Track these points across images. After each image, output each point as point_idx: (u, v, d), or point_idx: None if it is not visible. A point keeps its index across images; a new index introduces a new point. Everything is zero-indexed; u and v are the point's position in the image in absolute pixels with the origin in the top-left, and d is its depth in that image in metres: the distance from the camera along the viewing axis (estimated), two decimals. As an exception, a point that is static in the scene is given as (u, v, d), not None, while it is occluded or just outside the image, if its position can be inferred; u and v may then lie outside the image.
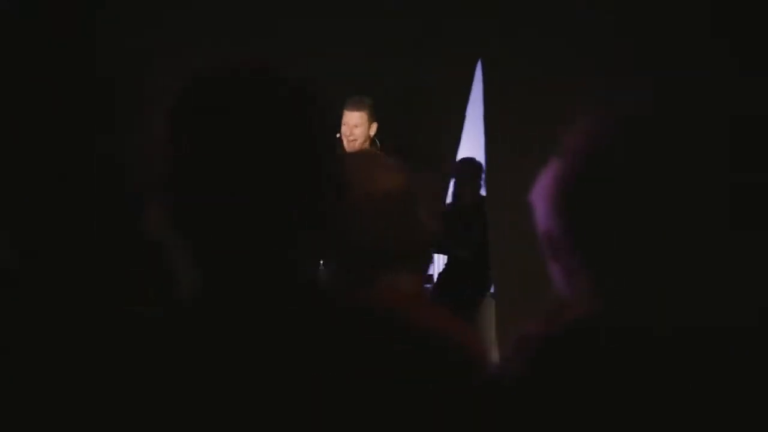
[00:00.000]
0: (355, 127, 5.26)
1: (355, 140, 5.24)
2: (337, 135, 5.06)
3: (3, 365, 1.25)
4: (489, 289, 5.84)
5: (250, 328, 1.23)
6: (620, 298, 1.32)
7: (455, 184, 6.06)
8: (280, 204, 1.22)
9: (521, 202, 1.48)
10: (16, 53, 1.35)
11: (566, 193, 1.35)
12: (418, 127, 5.21)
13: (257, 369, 1.20)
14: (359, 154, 1.99)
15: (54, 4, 1.42)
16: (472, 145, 5.85)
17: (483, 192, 5.96)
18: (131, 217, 1.41)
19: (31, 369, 1.23)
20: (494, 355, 1.44)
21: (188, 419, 1.19)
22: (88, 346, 1.22)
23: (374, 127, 5.34)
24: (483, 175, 5.93)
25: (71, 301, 1.31)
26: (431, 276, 6.37)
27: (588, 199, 1.33)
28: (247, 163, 1.21)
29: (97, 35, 1.42)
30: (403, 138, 5.07)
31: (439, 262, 6.53)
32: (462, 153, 5.83)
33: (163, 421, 1.20)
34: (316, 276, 1.35)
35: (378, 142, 5.31)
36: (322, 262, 1.90)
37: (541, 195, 1.39)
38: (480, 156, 5.75)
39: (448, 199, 6.04)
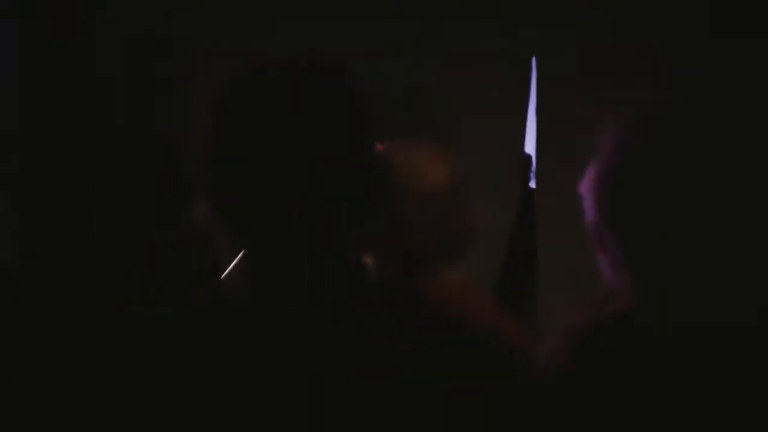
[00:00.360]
0: None
1: None
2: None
3: (3, 365, 1.25)
4: (537, 281, 5.80)
5: (293, 322, 1.24)
6: (659, 291, 1.32)
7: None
8: (327, 198, 1.23)
9: (570, 194, 1.48)
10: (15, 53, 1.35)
11: (610, 186, 1.35)
12: (478, 125, 5.17)
13: (301, 359, 1.22)
14: (405, 146, 1.98)
15: (54, 4, 1.43)
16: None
17: (532, 184, 5.92)
18: (133, 217, 1.41)
19: (32, 368, 1.24)
20: (541, 347, 1.45)
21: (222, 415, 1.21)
22: (88, 346, 1.23)
23: None
24: (533, 167, 5.89)
25: (71, 301, 1.32)
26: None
27: (629, 192, 1.33)
28: (294, 159, 1.22)
29: (97, 35, 1.42)
30: (461, 134, 5.02)
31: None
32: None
33: (171, 420, 1.22)
34: (362, 269, 1.36)
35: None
36: (368, 255, 1.91)
37: (589, 186, 1.39)
38: (529, 148, 5.70)
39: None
